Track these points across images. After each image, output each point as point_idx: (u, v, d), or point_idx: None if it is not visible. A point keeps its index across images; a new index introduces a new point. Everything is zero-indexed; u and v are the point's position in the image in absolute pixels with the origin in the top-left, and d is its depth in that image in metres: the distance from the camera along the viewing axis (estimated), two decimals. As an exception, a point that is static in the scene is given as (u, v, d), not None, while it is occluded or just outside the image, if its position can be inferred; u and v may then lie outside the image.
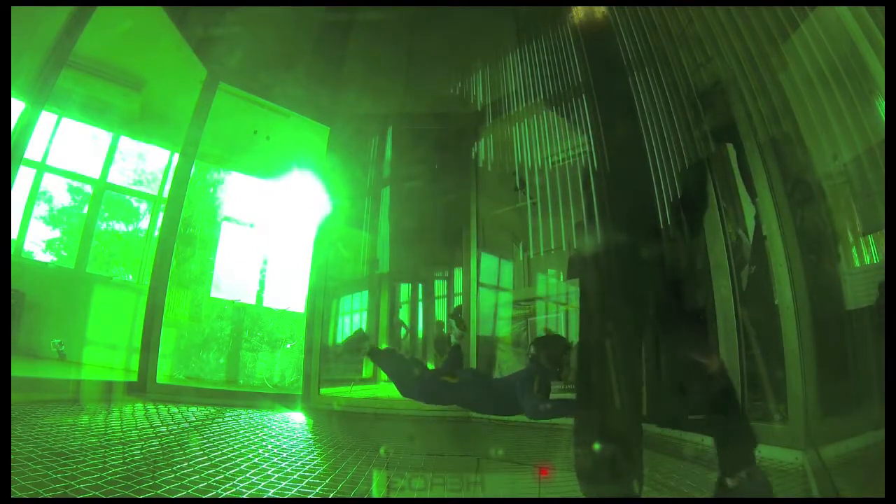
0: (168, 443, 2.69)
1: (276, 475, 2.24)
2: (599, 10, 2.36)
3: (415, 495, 1.65)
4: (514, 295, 4.98)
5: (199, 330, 5.60)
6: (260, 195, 6.17)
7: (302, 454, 2.75)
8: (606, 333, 1.73)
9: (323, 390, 4.67)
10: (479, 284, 4.88)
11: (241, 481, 2.10)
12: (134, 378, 4.20)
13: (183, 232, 5.23)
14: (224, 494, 1.93)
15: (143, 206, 5.98)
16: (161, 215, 5.12)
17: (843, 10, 2.36)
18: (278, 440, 3.03)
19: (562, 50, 4.61)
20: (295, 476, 2.25)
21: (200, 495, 1.88)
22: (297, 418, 4.10)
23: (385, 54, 5.20)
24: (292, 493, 2.04)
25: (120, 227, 5.90)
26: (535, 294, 4.79)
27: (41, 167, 5.10)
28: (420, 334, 5.63)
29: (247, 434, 3.16)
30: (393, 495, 1.65)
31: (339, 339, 5.20)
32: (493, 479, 1.75)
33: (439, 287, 5.65)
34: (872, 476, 1.51)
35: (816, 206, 2.86)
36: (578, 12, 2.41)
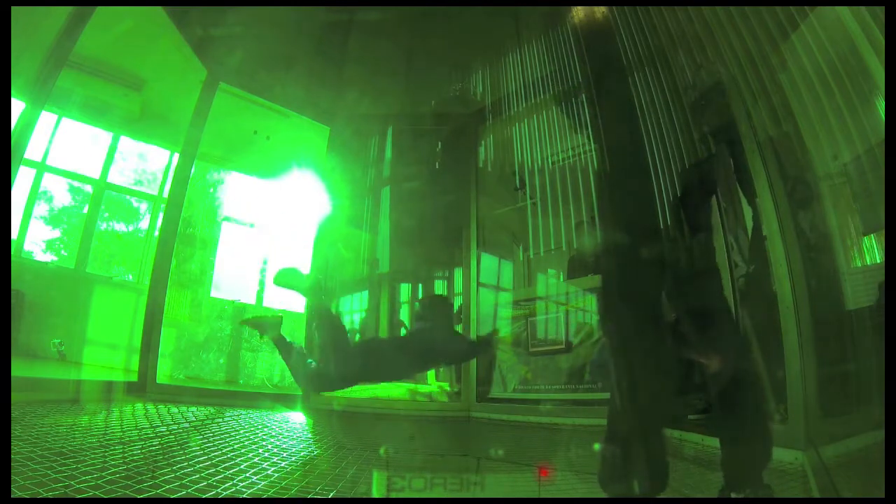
0: (168, 442, 2.69)
1: (276, 475, 2.24)
2: (599, 10, 2.35)
3: (415, 495, 1.64)
4: (514, 295, 4.98)
5: (199, 330, 5.60)
6: (260, 195, 6.18)
7: (302, 454, 2.75)
8: (628, 333, 1.71)
9: (323, 390, 4.67)
10: (479, 284, 4.88)
11: (241, 481, 2.10)
12: (134, 378, 4.20)
13: (183, 232, 5.23)
14: (224, 494, 1.93)
15: (143, 206, 5.98)
16: (161, 215, 5.12)
17: (843, 10, 2.36)
18: (278, 440, 3.03)
19: (562, 50, 4.62)
20: (295, 475, 2.25)
21: (200, 495, 1.88)
22: (297, 418, 4.10)
23: (385, 54, 5.21)
24: (292, 492, 2.04)
25: (120, 227, 5.91)
26: (535, 294, 4.78)
27: (41, 167, 5.10)
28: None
29: (247, 434, 3.16)
30: (393, 495, 1.65)
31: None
32: (493, 479, 1.75)
33: (439, 287, 5.65)
34: (872, 476, 1.51)
35: (816, 206, 2.86)
36: (578, 12, 2.41)
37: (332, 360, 2.52)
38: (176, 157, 5.18)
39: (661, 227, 2.46)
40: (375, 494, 1.69)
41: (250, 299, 6.06)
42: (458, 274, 5.06)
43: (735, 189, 2.97)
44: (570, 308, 4.43)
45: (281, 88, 5.15)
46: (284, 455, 2.64)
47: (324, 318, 2.65)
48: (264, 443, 2.91)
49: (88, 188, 5.52)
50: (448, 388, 5.09)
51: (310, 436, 3.47)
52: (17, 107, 3.49)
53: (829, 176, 2.78)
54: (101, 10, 3.82)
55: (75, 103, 4.90)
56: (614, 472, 1.71)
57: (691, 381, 2.15)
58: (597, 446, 1.76)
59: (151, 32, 4.42)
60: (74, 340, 4.69)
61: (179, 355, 5.35)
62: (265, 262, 6.14)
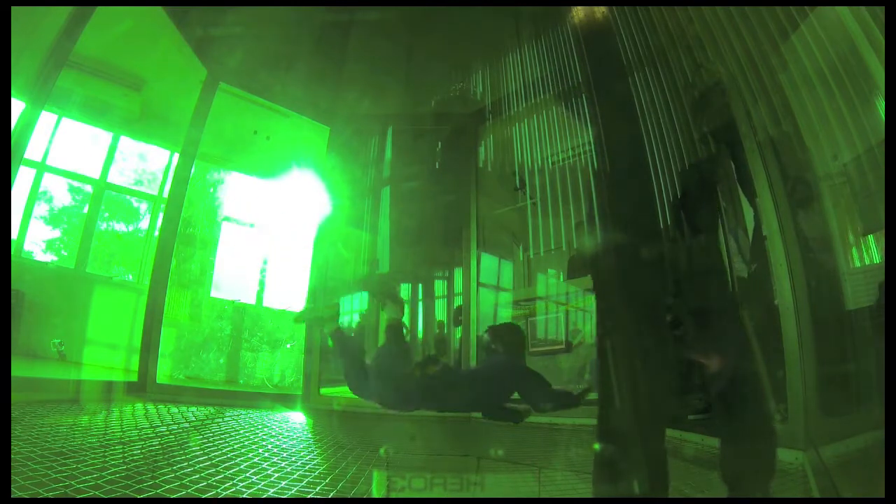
0: (168, 442, 2.69)
1: (276, 475, 2.24)
2: (599, 10, 2.35)
3: (415, 495, 1.65)
4: (514, 295, 4.99)
5: (199, 330, 5.60)
6: (260, 195, 6.18)
7: (302, 454, 2.75)
8: (626, 333, 1.71)
9: (323, 390, 4.67)
10: (479, 284, 4.88)
11: (241, 481, 2.10)
12: (134, 378, 4.20)
13: (183, 232, 5.23)
14: (224, 494, 1.93)
15: (143, 206, 5.98)
16: (161, 215, 5.12)
17: (843, 10, 2.36)
18: (278, 440, 3.03)
19: (562, 50, 4.62)
20: (295, 476, 2.25)
21: (200, 495, 1.88)
22: (297, 418, 4.10)
23: (385, 54, 5.21)
24: (292, 492, 2.04)
25: (120, 227, 5.91)
26: (535, 294, 4.79)
27: (41, 167, 5.10)
28: (420, 334, 5.63)
29: (247, 434, 3.16)
30: (393, 495, 1.65)
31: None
32: (493, 479, 1.75)
33: (439, 287, 5.65)
34: (872, 476, 1.51)
35: (816, 206, 2.86)
36: (578, 12, 2.41)
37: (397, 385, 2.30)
38: (176, 157, 5.18)
39: (661, 227, 2.46)
40: (375, 494, 1.70)
41: (250, 299, 6.06)
42: (458, 274, 5.06)
43: (735, 189, 2.97)
44: (570, 308, 4.44)
45: (281, 88, 5.15)
46: (284, 455, 2.64)
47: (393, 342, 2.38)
48: (264, 443, 2.91)
49: (88, 188, 5.52)
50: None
51: (310, 436, 3.47)
52: (17, 107, 3.49)
53: (829, 176, 2.78)
54: (101, 10, 3.82)
55: (75, 103, 4.90)
56: (605, 474, 1.71)
57: (691, 381, 2.15)
58: (596, 446, 1.76)
59: (151, 32, 4.42)
60: (74, 340, 4.68)
61: (179, 355, 5.35)
62: (265, 262, 6.14)
